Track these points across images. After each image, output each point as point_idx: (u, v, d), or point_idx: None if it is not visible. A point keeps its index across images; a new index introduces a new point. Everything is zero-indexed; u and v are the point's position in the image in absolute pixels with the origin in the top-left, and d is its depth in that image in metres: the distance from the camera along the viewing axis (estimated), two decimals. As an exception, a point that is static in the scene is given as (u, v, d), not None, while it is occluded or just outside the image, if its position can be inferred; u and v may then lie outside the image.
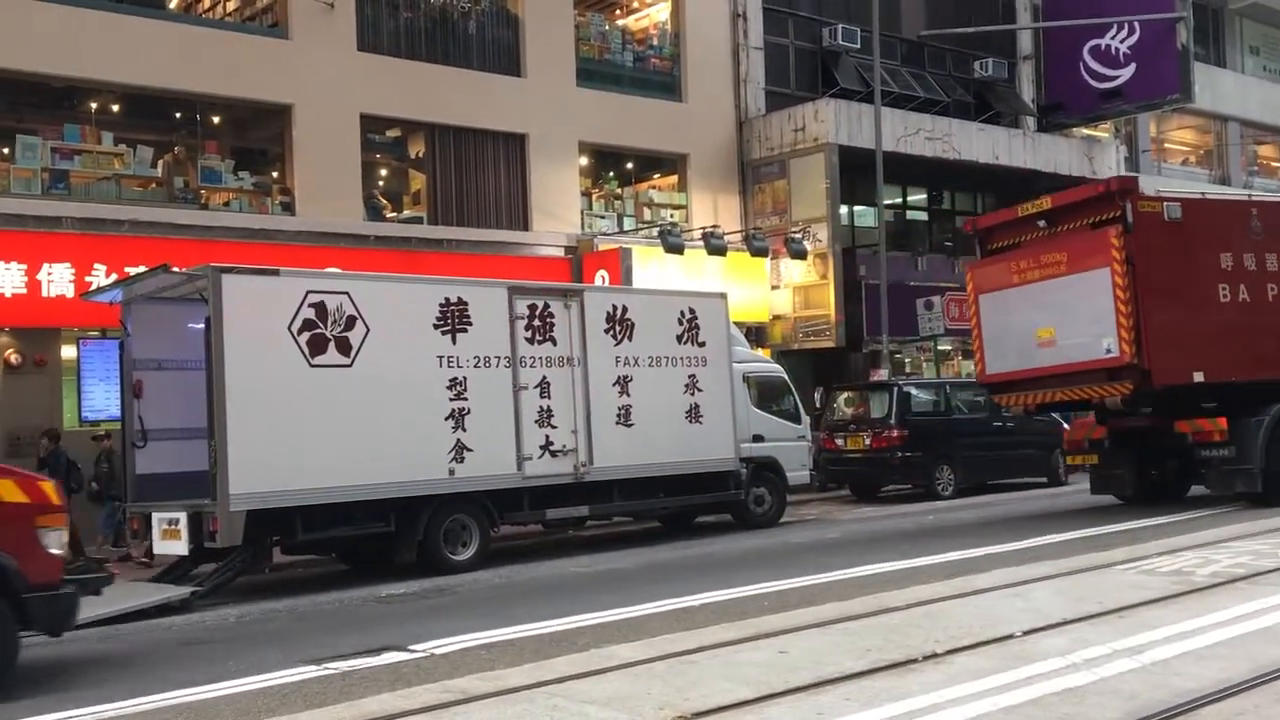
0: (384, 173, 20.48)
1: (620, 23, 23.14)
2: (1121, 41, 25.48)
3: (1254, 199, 16.35)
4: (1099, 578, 9.46)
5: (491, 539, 12.95)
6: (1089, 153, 25.93)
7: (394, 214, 19.96)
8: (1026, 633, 7.31)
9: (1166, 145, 33.48)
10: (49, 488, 7.74)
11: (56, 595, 7.49)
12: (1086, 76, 26.00)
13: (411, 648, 8.10)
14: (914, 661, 6.67)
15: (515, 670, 6.91)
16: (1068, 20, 26.05)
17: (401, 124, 19.94)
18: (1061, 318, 14.08)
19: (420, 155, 20.14)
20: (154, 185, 17.50)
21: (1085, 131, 27.62)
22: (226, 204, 17.96)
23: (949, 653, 6.83)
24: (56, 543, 7.58)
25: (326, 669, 7.63)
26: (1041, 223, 14.75)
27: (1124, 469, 15.49)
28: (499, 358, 12.74)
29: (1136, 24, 25.19)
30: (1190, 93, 25.90)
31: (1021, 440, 19.92)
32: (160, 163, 17.59)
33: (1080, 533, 12.70)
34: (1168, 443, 14.85)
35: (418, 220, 19.75)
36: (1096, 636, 7.17)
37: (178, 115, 18.12)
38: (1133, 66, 25.37)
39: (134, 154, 17.28)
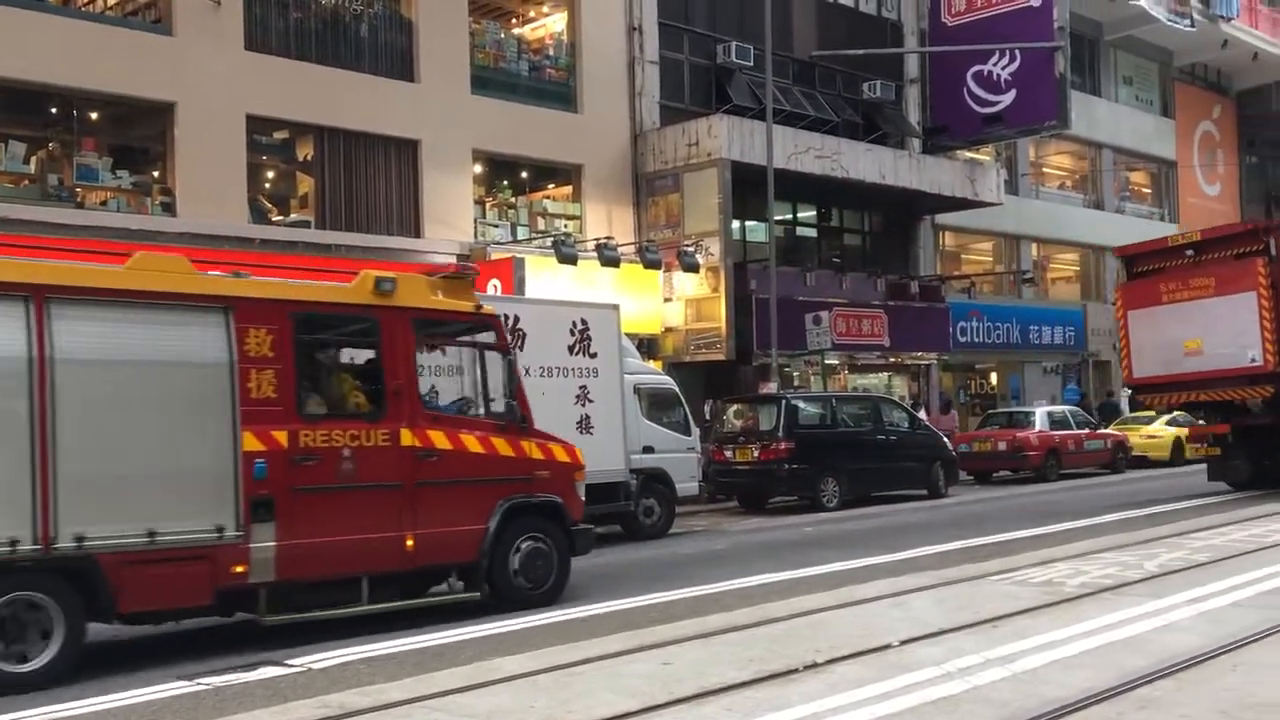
0: (271, 175, 20.04)
1: (516, 31, 23.07)
2: (1003, 68, 26.33)
3: None
4: (974, 588, 9.71)
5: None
6: (971, 175, 26.72)
7: (280, 217, 19.53)
8: (904, 642, 7.47)
9: (1045, 169, 34.70)
10: (579, 451, 10.78)
11: (585, 529, 10.67)
12: (970, 101, 26.79)
13: (288, 662, 7.90)
14: (795, 671, 6.76)
15: (395, 685, 6.79)
16: (952, 46, 26.84)
17: (290, 126, 19.54)
18: (1208, 331, 16.26)
19: (309, 158, 19.77)
20: (26, 182, 16.84)
21: (968, 154, 28.45)
22: (104, 203, 17.37)
23: (829, 662, 6.95)
24: (582, 491, 10.69)
25: (199, 684, 7.39)
26: (1190, 252, 17.10)
27: (1241, 460, 17.67)
28: (385, 366, 12.52)
29: (1017, 52, 26.06)
30: (1067, 119, 26.87)
31: (904, 453, 20.37)
32: (34, 159, 16.93)
33: (958, 544, 13.03)
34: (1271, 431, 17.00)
35: (305, 224, 19.37)
36: (971, 646, 7.36)
37: (53, 110, 17.47)
38: (1013, 93, 26.23)
39: (5, 149, 16.61)
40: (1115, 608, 8.58)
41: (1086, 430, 24.74)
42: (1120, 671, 6.64)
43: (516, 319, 13.80)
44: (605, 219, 22.46)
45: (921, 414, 24.02)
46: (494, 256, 20.07)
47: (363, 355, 9.94)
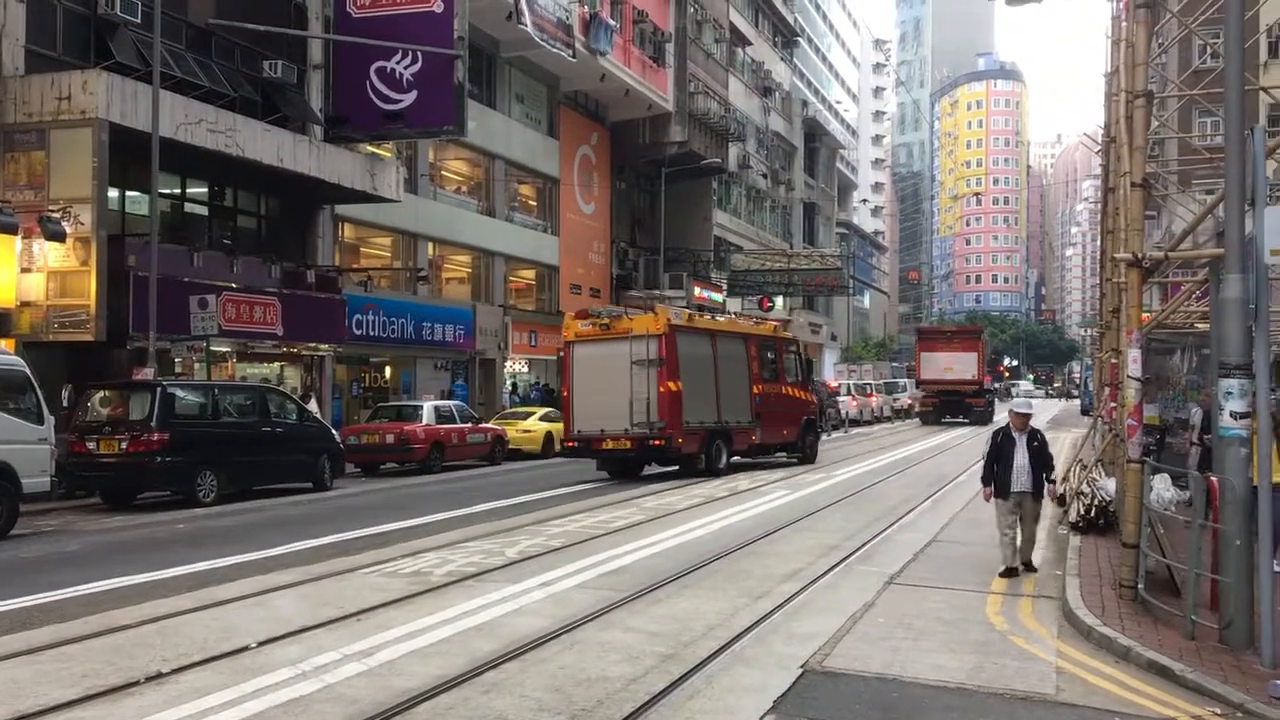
0: None
1: None
2: (406, 68, 26.66)
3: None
4: (343, 582, 9.65)
5: None
6: (371, 169, 26.77)
7: None
8: (262, 644, 7.18)
9: (444, 172, 35.84)
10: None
11: (820, 430, 30.40)
12: (372, 95, 26.76)
13: None
14: (135, 684, 6.21)
15: None
16: (356, 37, 26.69)
17: None
18: (957, 364, 44.50)
19: None
20: None
21: (370, 148, 28.43)
22: None
23: (175, 671, 6.47)
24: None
25: None
26: (949, 333, 50.96)
27: (937, 413, 44.58)
28: None
29: (419, 54, 26.58)
30: (464, 127, 27.92)
31: (290, 445, 19.83)
32: None
33: (334, 537, 12.90)
34: (962, 403, 44.76)
35: None
36: (332, 642, 7.26)
37: None
38: (415, 93, 26.64)
39: None
40: (476, 594, 8.99)
41: (470, 425, 25.94)
42: (471, 657, 6.92)
43: None
44: (-52, 171, 19.28)
45: (312, 405, 23.64)
46: None
47: (770, 355, 23.98)
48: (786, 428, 23.93)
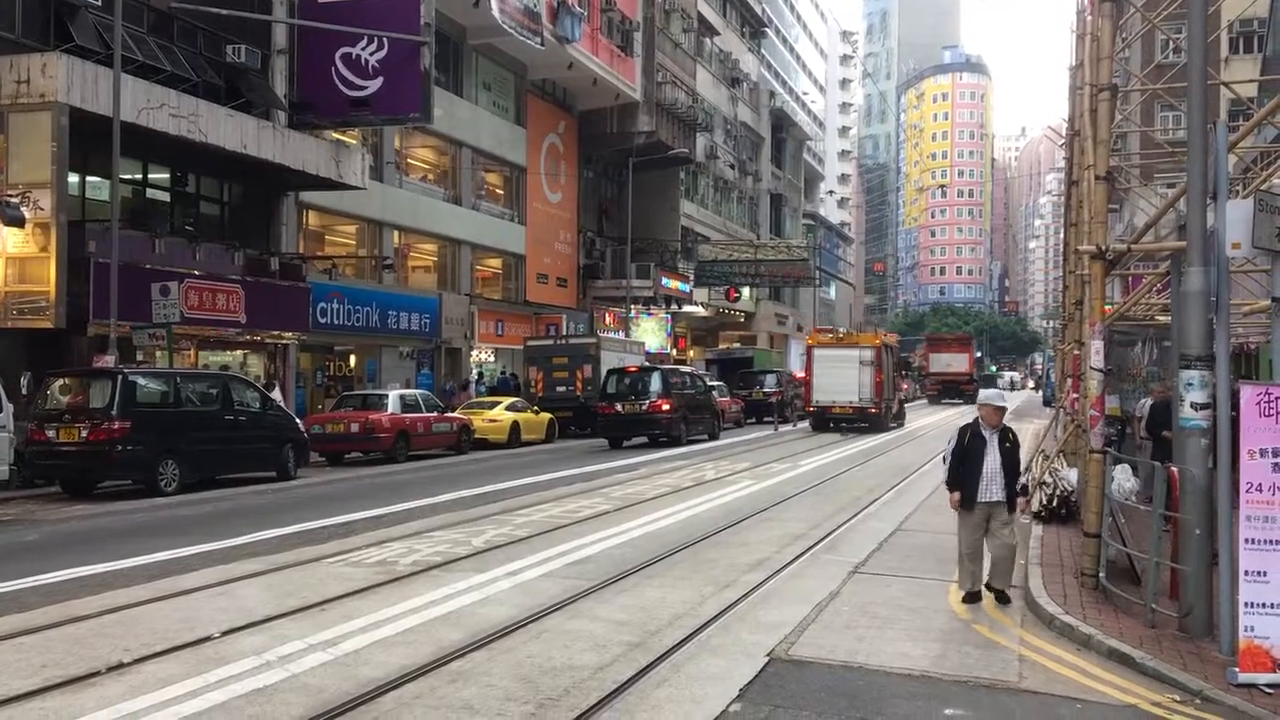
0: None
1: None
2: (371, 54, 26.41)
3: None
4: (308, 572, 9.58)
5: None
6: (336, 156, 26.53)
7: None
8: (225, 633, 7.13)
9: (410, 160, 35.58)
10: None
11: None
12: (337, 82, 26.47)
13: None
14: (97, 674, 6.14)
15: None
16: (322, 22, 26.41)
17: None
18: (956, 362, 64.86)
19: None
20: None
21: (335, 135, 28.19)
22: None
23: (137, 661, 6.40)
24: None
25: None
26: (949, 339, 69.55)
27: (940, 396, 63.26)
28: None
29: (386, 40, 26.35)
30: (430, 114, 27.72)
31: (255, 434, 19.66)
32: None
33: (299, 527, 12.79)
34: (957, 387, 61.92)
35: None
36: (296, 632, 7.21)
37: None
38: (380, 80, 26.40)
39: None
40: (442, 584, 8.96)
41: (435, 414, 25.81)
42: (438, 647, 6.89)
43: None
44: (-98, 154, 18.92)
45: (276, 394, 23.43)
46: None
47: (893, 357, 37.79)
48: (897, 404, 37.88)
